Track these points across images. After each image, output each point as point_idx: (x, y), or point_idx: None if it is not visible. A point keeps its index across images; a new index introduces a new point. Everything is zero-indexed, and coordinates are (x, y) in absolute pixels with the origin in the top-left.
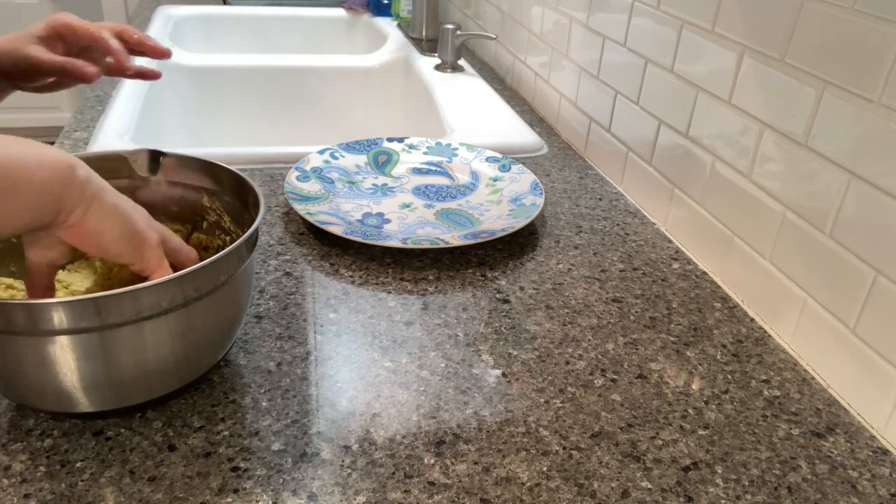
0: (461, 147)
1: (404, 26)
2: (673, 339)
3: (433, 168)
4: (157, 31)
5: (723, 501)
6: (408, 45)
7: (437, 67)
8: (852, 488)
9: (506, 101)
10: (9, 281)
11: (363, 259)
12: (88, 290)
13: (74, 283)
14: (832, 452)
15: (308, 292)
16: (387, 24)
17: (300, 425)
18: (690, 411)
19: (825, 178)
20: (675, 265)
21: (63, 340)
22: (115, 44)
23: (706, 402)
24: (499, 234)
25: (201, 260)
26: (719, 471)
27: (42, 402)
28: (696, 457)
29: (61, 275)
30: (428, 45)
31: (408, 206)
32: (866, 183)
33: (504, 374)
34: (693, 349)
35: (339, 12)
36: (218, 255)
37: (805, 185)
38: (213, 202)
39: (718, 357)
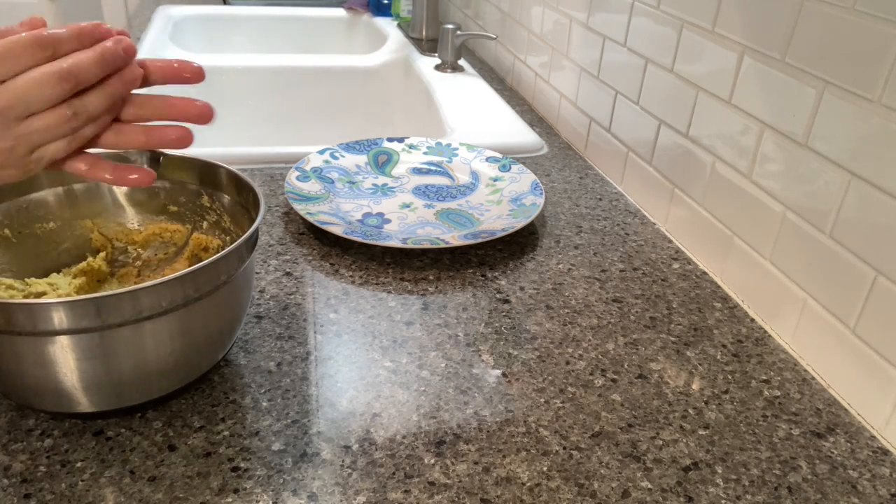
0: (461, 147)
1: (404, 26)
2: (673, 339)
3: (433, 168)
4: (157, 31)
5: (723, 501)
6: (408, 45)
7: (437, 67)
8: (852, 488)
9: (506, 101)
10: (9, 281)
11: (363, 259)
12: (78, 292)
13: (62, 286)
14: (832, 452)
15: (308, 292)
16: (387, 24)
17: (300, 425)
18: (690, 411)
19: (825, 178)
20: (675, 265)
21: (63, 340)
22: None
23: (706, 402)
24: (499, 234)
25: (196, 254)
26: (719, 471)
27: (42, 402)
28: (696, 457)
29: (53, 277)
30: (428, 45)
31: (408, 206)
32: (866, 183)
33: (504, 374)
34: (693, 349)
35: (339, 12)
36: (218, 255)
37: (805, 185)
38: (213, 202)
39: (718, 357)
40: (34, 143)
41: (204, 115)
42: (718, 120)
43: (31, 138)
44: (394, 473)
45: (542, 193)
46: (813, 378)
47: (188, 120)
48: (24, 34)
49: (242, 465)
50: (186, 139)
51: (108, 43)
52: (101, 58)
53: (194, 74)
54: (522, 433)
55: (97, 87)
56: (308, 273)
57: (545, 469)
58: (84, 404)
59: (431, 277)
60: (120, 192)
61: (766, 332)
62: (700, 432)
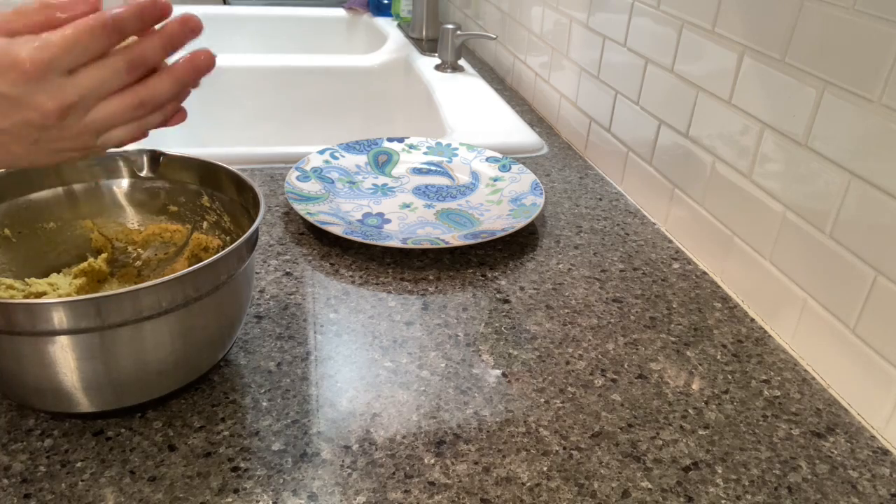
0: (461, 147)
1: (404, 26)
2: (673, 339)
3: (433, 168)
4: None
5: (723, 501)
6: (408, 45)
7: (437, 67)
8: (852, 488)
9: (506, 101)
10: (9, 281)
11: (363, 259)
12: (79, 292)
13: (62, 286)
14: (832, 452)
15: (308, 292)
16: (387, 24)
17: (300, 425)
18: (690, 411)
19: (825, 178)
20: (675, 265)
21: (63, 340)
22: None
23: (706, 402)
24: (499, 234)
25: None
26: (719, 471)
27: (42, 402)
28: (696, 457)
29: (53, 277)
30: (428, 45)
31: (408, 206)
32: (866, 183)
33: (504, 374)
34: (693, 349)
35: (339, 12)
36: (218, 255)
37: (805, 185)
38: (213, 202)
39: (718, 357)
40: (100, 130)
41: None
42: (718, 120)
43: (97, 125)
44: (394, 473)
45: (542, 193)
46: (813, 378)
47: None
48: (87, 19)
49: (242, 465)
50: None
51: (175, 25)
52: (169, 43)
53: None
54: (522, 433)
55: (165, 74)
56: (308, 273)
57: (545, 469)
58: (84, 404)
59: (431, 277)
60: (120, 191)
61: (766, 332)
62: (700, 432)
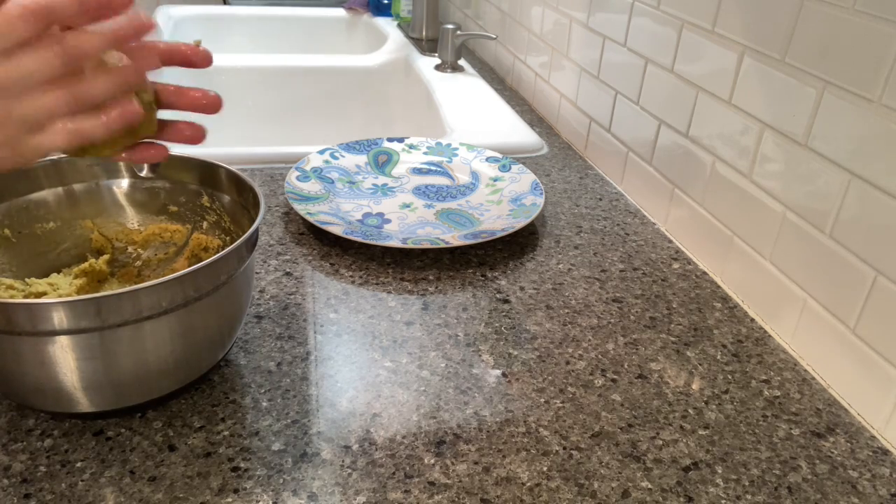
0: (461, 147)
1: (404, 26)
2: (673, 339)
3: (433, 168)
4: (157, 31)
5: (723, 501)
6: (408, 45)
7: (437, 67)
8: (852, 488)
9: (506, 101)
10: (9, 281)
11: (363, 259)
12: (78, 292)
13: (62, 286)
14: (832, 452)
15: (308, 292)
16: (387, 24)
17: (300, 425)
18: (690, 411)
19: (825, 178)
20: (676, 265)
21: (63, 340)
22: None
23: (706, 402)
24: (499, 234)
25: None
26: (719, 471)
27: (42, 402)
28: (696, 457)
29: (53, 277)
30: (428, 45)
31: (408, 206)
32: (866, 183)
33: (504, 374)
34: (693, 349)
35: (339, 12)
36: (218, 255)
37: (805, 185)
38: (213, 202)
39: (718, 357)
40: (30, 123)
41: (213, 104)
42: (718, 120)
43: (26, 117)
44: (394, 473)
45: (542, 193)
46: (813, 378)
47: (197, 110)
48: (17, 5)
49: (242, 465)
50: (199, 136)
51: (122, 21)
52: (112, 38)
53: (203, 59)
54: (522, 433)
55: (102, 70)
56: (308, 273)
57: (545, 469)
58: (84, 404)
59: (431, 277)
60: (120, 191)
61: (766, 332)
62: (700, 432)
